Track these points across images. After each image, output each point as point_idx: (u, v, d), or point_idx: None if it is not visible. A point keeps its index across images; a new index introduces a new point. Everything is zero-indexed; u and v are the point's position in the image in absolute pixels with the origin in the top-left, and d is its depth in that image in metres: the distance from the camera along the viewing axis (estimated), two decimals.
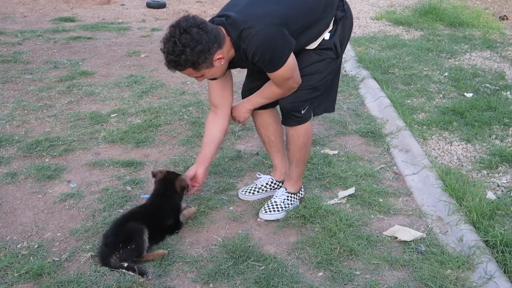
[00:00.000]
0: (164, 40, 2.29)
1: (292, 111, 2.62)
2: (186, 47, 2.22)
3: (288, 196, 2.84)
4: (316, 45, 2.52)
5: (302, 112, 2.62)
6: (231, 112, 2.74)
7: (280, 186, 2.96)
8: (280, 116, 2.75)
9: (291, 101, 2.58)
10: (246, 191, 3.00)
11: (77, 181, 3.18)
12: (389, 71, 5.18)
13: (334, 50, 2.55)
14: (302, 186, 2.94)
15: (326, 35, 2.51)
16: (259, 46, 2.30)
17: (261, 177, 3.04)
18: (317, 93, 2.65)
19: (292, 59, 2.40)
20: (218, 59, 2.34)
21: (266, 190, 3.00)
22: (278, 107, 2.76)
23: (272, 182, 3.02)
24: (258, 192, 2.99)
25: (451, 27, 7.06)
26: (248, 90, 2.81)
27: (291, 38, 2.36)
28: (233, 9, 2.41)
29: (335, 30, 2.53)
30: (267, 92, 2.60)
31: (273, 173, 3.05)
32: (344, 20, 2.55)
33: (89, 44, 6.37)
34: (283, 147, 2.97)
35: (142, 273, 2.31)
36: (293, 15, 2.38)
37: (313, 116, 2.74)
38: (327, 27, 2.51)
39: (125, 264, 2.34)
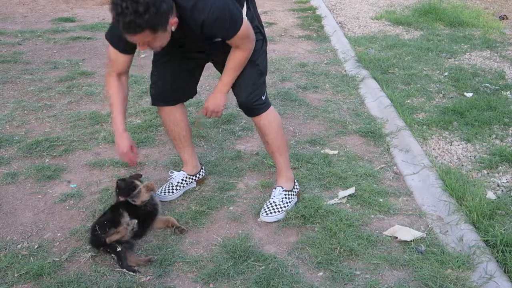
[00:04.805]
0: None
1: (253, 102, 2.65)
2: (150, 6, 2.03)
3: (285, 195, 2.84)
4: None
5: (263, 98, 2.68)
6: (205, 108, 2.65)
7: (198, 179, 3.05)
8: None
9: (248, 94, 2.62)
10: (164, 192, 2.98)
11: (77, 181, 3.18)
12: (389, 71, 5.18)
13: (260, 31, 2.63)
14: (296, 181, 2.95)
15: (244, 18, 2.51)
16: (220, 13, 2.28)
17: (174, 175, 3.05)
18: (264, 77, 2.71)
19: (245, 18, 2.42)
20: (173, 23, 2.25)
21: (183, 186, 3.02)
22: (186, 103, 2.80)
23: (186, 177, 3.04)
24: (176, 190, 3.00)
25: (451, 27, 7.06)
26: (177, 88, 2.77)
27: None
28: None
29: (251, 12, 2.58)
30: (233, 63, 2.52)
31: (185, 168, 3.06)
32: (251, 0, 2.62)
33: (89, 44, 6.37)
34: (191, 140, 3.02)
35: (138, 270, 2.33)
36: None
37: None
38: (242, 7, 2.52)
39: (119, 248, 2.39)
